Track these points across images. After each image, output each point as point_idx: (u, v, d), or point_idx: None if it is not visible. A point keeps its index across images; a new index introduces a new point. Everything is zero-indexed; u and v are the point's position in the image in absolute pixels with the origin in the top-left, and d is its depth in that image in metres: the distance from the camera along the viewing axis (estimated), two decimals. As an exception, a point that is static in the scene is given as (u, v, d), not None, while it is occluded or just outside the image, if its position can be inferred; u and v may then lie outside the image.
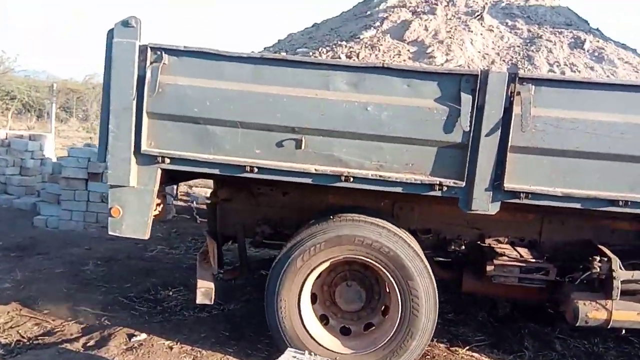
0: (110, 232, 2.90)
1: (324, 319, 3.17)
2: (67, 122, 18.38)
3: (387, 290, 3.07)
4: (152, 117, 2.77)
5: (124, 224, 2.85)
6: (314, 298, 3.14)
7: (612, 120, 2.62)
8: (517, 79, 2.63)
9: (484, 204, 2.75)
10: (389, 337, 2.95)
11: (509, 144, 2.65)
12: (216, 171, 2.82)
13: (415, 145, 2.72)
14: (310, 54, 3.28)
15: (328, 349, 2.97)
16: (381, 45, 3.12)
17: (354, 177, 2.76)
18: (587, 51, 3.19)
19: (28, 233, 5.81)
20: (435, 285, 2.92)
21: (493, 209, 2.78)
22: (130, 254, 5.23)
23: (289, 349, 2.46)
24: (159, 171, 2.83)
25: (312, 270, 2.95)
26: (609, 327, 2.96)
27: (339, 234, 2.91)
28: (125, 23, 2.69)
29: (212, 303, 3.00)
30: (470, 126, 2.66)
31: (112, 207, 2.86)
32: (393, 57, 3.05)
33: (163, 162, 2.79)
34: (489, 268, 3.17)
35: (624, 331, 3.08)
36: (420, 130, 2.70)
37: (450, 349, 3.53)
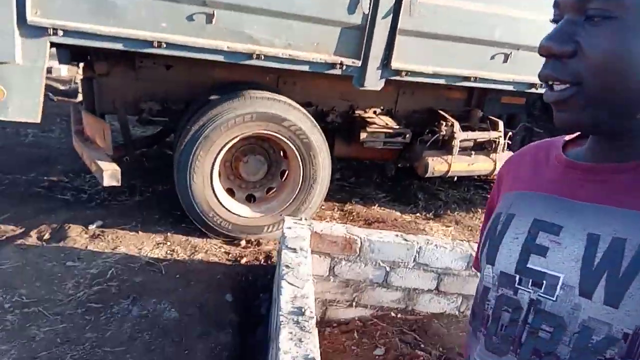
0: None
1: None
2: None
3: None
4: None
5: (10, 106, 2.46)
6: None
7: (475, 9, 3.16)
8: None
9: (374, 81, 3.15)
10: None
11: (398, 27, 3.02)
12: (119, 46, 2.56)
13: (322, 25, 2.89)
14: None
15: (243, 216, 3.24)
16: None
17: (265, 56, 2.83)
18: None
19: None
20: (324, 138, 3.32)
21: (380, 85, 3.20)
22: (6, 143, 4.41)
23: (286, 217, 2.57)
24: (48, 45, 2.44)
25: (225, 145, 3.05)
26: (447, 176, 3.86)
27: (257, 111, 3.02)
28: None
29: (120, 184, 2.91)
30: (369, 9, 2.92)
31: None
32: None
33: (55, 34, 2.40)
34: (363, 135, 3.71)
35: (456, 178, 4.04)
36: (327, 10, 2.85)
37: (366, 206, 4.13)
